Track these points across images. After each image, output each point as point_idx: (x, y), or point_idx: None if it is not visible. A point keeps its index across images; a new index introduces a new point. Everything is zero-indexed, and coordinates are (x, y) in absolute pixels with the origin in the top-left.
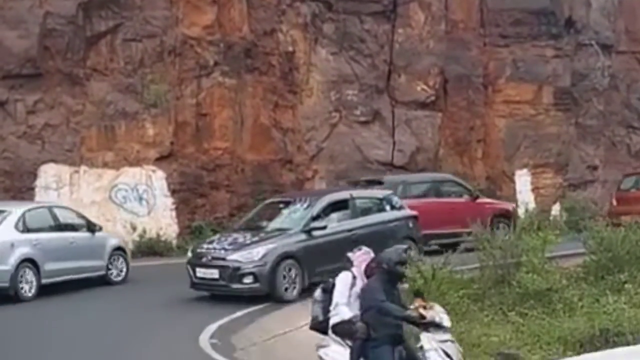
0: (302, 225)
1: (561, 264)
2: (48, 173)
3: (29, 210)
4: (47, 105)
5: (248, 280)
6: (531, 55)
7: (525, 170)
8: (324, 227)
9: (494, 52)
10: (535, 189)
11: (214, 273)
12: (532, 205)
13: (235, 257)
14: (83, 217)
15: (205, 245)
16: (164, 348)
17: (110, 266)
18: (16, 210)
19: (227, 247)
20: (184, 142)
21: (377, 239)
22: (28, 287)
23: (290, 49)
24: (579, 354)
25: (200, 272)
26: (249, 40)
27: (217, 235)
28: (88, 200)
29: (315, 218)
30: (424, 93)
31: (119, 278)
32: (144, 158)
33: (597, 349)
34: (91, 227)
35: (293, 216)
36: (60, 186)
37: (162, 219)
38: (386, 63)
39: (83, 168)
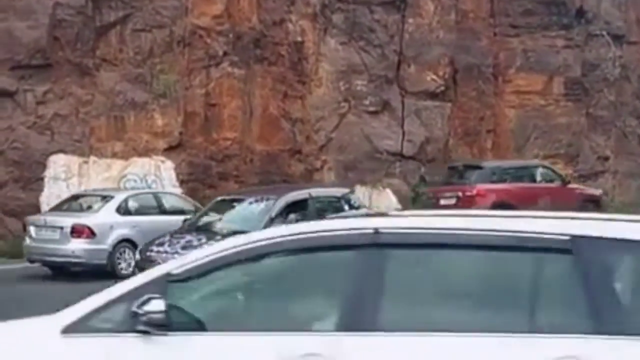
0: (259, 227)
1: None
2: (57, 163)
3: (133, 195)
4: (57, 95)
5: None
6: (542, 46)
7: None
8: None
9: (504, 42)
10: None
11: None
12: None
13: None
14: (190, 202)
15: (155, 248)
16: None
17: None
18: (120, 195)
19: (180, 251)
20: (192, 133)
21: None
22: (125, 265)
23: (300, 39)
24: None
25: None
26: (258, 31)
27: (167, 236)
28: None
29: (273, 220)
30: (433, 83)
31: None
32: (153, 148)
33: None
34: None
35: (249, 217)
36: (69, 176)
37: None
38: (396, 53)
39: (92, 158)
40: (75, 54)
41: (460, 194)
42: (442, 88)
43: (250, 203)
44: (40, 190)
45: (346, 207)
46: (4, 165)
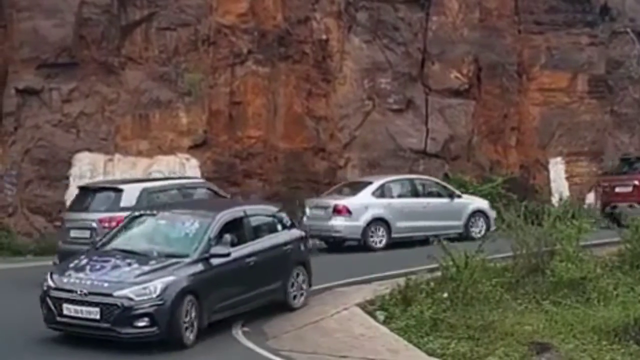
0: (199, 250)
1: (596, 252)
2: (83, 161)
3: (390, 181)
4: (82, 94)
5: (142, 322)
6: (566, 43)
7: (559, 159)
8: (228, 255)
9: (528, 40)
10: (569, 178)
11: (93, 312)
12: (566, 193)
13: (126, 293)
14: (445, 186)
15: (72, 274)
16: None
17: (471, 225)
18: (378, 181)
19: (109, 278)
20: (217, 131)
21: (274, 265)
22: (378, 240)
23: (324, 37)
24: (613, 343)
25: (70, 309)
26: (282, 29)
27: (82, 257)
28: None
29: (211, 240)
30: (457, 81)
31: (479, 235)
32: (178, 146)
33: (632, 339)
34: (451, 194)
35: (179, 236)
36: (94, 175)
37: None
38: (420, 51)
39: (117, 156)
40: (101, 53)
41: (636, 182)
42: (466, 86)
43: (180, 221)
44: (66, 188)
45: (279, 227)
46: (30, 164)
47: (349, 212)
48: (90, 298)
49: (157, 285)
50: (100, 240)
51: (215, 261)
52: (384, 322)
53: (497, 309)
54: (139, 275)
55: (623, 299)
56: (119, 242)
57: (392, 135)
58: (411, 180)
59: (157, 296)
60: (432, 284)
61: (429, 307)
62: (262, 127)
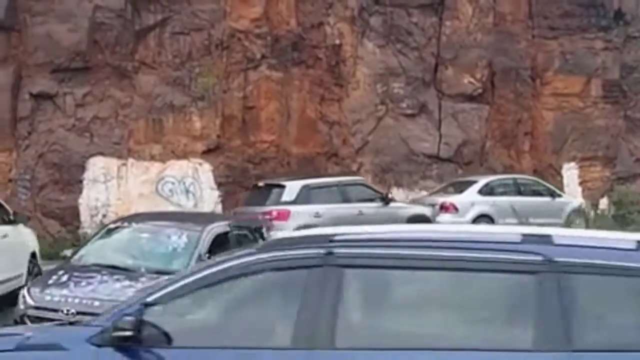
0: (190, 265)
1: None
2: (96, 166)
3: (495, 180)
4: (96, 98)
5: None
6: (580, 48)
7: (573, 164)
8: None
9: (542, 45)
10: (583, 183)
11: None
12: (579, 198)
13: None
14: (546, 186)
15: (55, 292)
16: None
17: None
18: (483, 179)
19: (99, 295)
20: (230, 135)
21: None
22: None
23: (337, 42)
24: None
25: None
26: (296, 34)
27: (61, 272)
28: (135, 193)
29: (201, 257)
30: (471, 86)
31: None
32: (191, 151)
33: None
34: (552, 193)
35: (166, 251)
36: (108, 179)
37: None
38: (433, 56)
39: (130, 161)
40: (115, 57)
41: None
42: (480, 90)
43: (165, 233)
44: (80, 192)
45: (260, 241)
46: (43, 168)
47: (455, 209)
48: (79, 318)
49: None
50: (75, 253)
51: None
52: None
53: None
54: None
55: None
56: (99, 257)
57: (405, 140)
58: (514, 179)
59: None
60: None
61: None
62: (275, 131)
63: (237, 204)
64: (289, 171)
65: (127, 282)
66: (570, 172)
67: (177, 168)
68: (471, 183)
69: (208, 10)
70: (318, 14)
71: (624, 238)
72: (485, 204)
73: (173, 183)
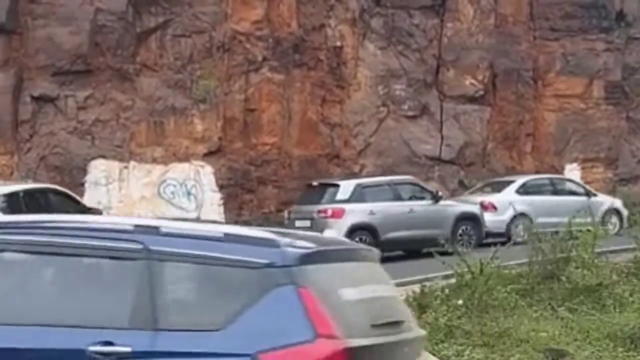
0: None
1: (612, 259)
2: (98, 168)
3: (532, 179)
4: (97, 101)
5: None
6: (581, 49)
7: (575, 165)
8: None
9: (543, 46)
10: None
11: None
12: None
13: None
14: (582, 186)
15: None
16: None
17: (605, 222)
18: (520, 179)
19: None
20: (232, 138)
21: None
22: (519, 233)
23: (339, 43)
24: (629, 350)
25: None
26: (297, 36)
27: None
28: (137, 196)
29: None
30: (472, 87)
31: (613, 231)
32: (193, 153)
33: None
34: (587, 193)
35: None
36: (109, 182)
37: (209, 215)
38: (435, 57)
39: (132, 163)
40: (116, 60)
41: None
42: (481, 92)
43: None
44: (81, 195)
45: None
46: (45, 170)
47: (494, 207)
48: None
49: None
50: None
51: None
52: None
53: (512, 316)
54: None
55: (639, 306)
56: None
57: (406, 142)
58: (550, 179)
59: None
60: (447, 290)
61: (443, 314)
62: (276, 133)
63: (239, 207)
64: (291, 173)
65: None
66: (572, 174)
67: (179, 170)
68: (508, 183)
69: (209, 13)
70: (319, 16)
71: (219, 229)
72: (523, 203)
73: (175, 185)
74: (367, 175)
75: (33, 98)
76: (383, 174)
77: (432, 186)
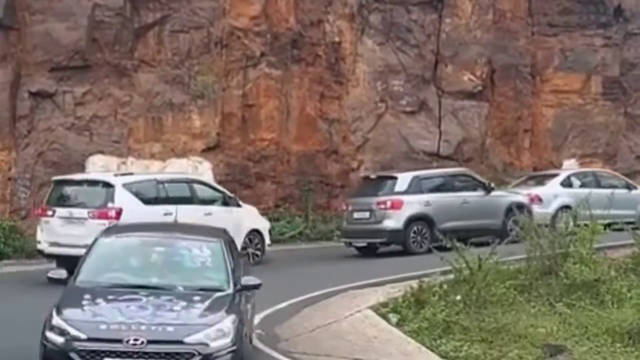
0: (232, 282)
1: (610, 254)
2: (96, 164)
3: (575, 173)
4: (95, 96)
5: None
6: (580, 45)
7: (573, 161)
8: (259, 286)
9: (541, 42)
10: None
11: None
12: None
13: (200, 338)
14: (623, 179)
15: (106, 319)
16: None
17: None
18: (564, 172)
19: (166, 320)
20: (230, 133)
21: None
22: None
23: (337, 39)
24: (627, 345)
25: None
26: (295, 31)
27: (90, 297)
28: None
29: (234, 271)
30: (470, 83)
31: None
32: (191, 149)
33: None
34: (628, 186)
35: (196, 266)
36: None
37: None
38: (433, 53)
39: (130, 159)
40: (114, 55)
41: None
42: (480, 88)
43: (187, 249)
44: None
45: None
46: (43, 166)
47: (540, 200)
48: (151, 348)
49: (228, 326)
50: (77, 275)
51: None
52: (397, 325)
53: (511, 312)
54: (201, 316)
55: (637, 301)
56: (114, 276)
57: (405, 138)
58: (594, 172)
59: (231, 340)
60: (445, 286)
61: (442, 309)
62: (274, 129)
63: None
64: (289, 169)
65: (183, 303)
66: (567, 168)
67: (177, 166)
68: (552, 176)
69: (207, 8)
70: (317, 11)
71: None
72: (567, 195)
73: None
74: (423, 169)
75: (31, 94)
76: (382, 169)
77: None
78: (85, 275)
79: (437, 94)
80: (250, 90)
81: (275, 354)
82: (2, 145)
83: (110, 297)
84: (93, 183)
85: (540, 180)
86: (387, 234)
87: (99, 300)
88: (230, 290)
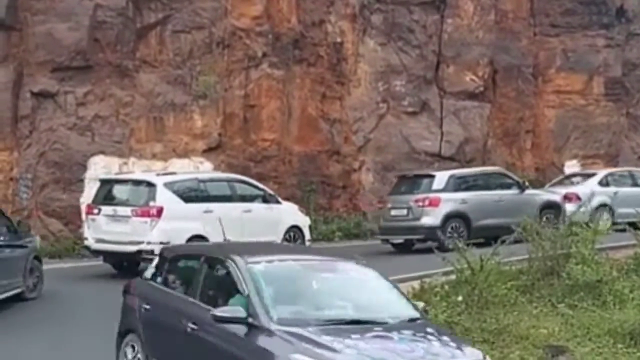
0: (418, 312)
1: (612, 255)
2: (98, 164)
3: (612, 172)
4: (97, 97)
5: None
6: (582, 45)
7: (575, 161)
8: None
9: (544, 42)
10: None
11: None
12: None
13: None
14: None
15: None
16: None
17: None
18: (602, 172)
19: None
20: (231, 134)
21: None
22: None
23: (339, 39)
24: (629, 346)
25: None
26: (297, 31)
27: (315, 331)
28: None
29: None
30: (472, 83)
31: None
32: (192, 149)
33: None
34: None
35: (378, 295)
36: None
37: None
38: (435, 53)
39: (132, 160)
40: (116, 56)
41: None
42: (481, 88)
43: (350, 276)
44: (81, 191)
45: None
46: (44, 167)
47: (578, 198)
48: None
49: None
50: (265, 314)
51: None
52: None
53: (512, 312)
54: (458, 348)
55: (639, 302)
56: (303, 309)
57: (406, 138)
58: (630, 171)
59: None
60: (446, 287)
61: (443, 310)
62: (276, 130)
63: None
64: (290, 169)
65: (430, 337)
66: (572, 170)
67: (179, 167)
68: (590, 175)
69: (209, 9)
70: (319, 11)
71: None
72: (605, 194)
73: None
74: (459, 168)
75: (33, 94)
76: (383, 169)
77: None
78: (282, 312)
79: (438, 94)
80: (252, 90)
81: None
82: (4, 145)
83: (354, 335)
84: (136, 182)
85: (578, 180)
86: (424, 231)
87: (347, 341)
88: (421, 318)
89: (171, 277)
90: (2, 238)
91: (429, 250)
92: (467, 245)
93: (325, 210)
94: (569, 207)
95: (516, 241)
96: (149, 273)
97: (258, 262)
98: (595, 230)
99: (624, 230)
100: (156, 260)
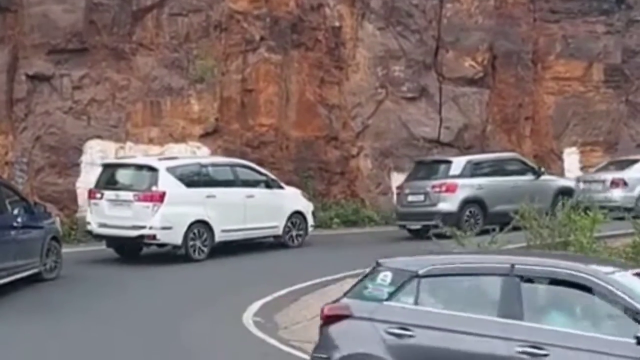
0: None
1: (610, 243)
2: (94, 149)
3: None
4: (93, 80)
5: None
6: (582, 32)
7: (574, 149)
8: None
9: (543, 28)
10: (584, 168)
11: None
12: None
13: None
14: None
15: None
16: (205, 325)
17: None
18: None
19: None
20: (228, 119)
21: None
22: None
23: (337, 24)
24: None
25: None
26: (295, 15)
27: None
28: None
29: None
30: (472, 69)
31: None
32: (189, 134)
33: None
34: None
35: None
36: None
37: None
38: (434, 39)
39: (128, 144)
40: (112, 39)
41: None
42: (481, 74)
43: None
44: (77, 175)
45: None
46: (40, 151)
47: (625, 184)
48: None
49: None
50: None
51: None
52: None
53: None
54: None
55: None
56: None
57: (405, 124)
58: None
59: None
60: None
61: None
62: (274, 115)
63: None
64: (288, 155)
65: None
66: (571, 157)
67: (175, 151)
68: (634, 161)
69: None
70: None
71: None
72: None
73: None
74: (476, 154)
75: (28, 77)
76: (381, 155)
77: None
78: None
79: (437, 80)
80: (250, 74)
81: (274, 342)
82: None
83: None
84: (139, 167)
85: (622, 165)
86: (441, 217)
87: None
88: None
89: (442, 296)
90: (19, 220)
91: (443, 236)
92: (482, 232)
93: (323, 196)
94: (617, 193)
95: (514, 228)
96: (376, 293)
97: (612, 273)
98: (593, 218)
99: (622, 219)
100: (389, 277)
